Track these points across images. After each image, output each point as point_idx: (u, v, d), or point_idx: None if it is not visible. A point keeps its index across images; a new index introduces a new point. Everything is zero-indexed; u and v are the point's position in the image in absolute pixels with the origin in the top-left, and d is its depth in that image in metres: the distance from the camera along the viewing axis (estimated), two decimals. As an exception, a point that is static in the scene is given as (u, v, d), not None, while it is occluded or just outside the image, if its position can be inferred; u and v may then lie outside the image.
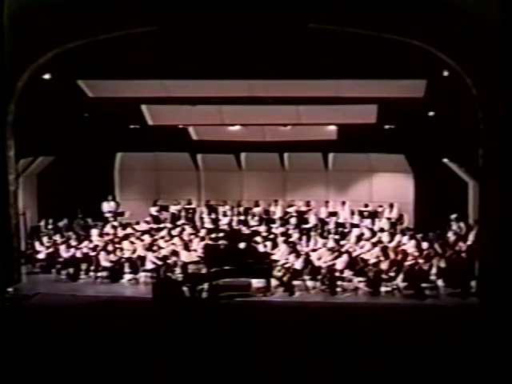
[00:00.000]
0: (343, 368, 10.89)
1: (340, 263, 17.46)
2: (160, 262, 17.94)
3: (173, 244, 18.99)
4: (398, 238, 19.61)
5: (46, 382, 10.52)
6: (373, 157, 22.86)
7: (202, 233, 20.55)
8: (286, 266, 17.34)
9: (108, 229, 20.94)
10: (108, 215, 22.40)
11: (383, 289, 16.96)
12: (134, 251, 18.61)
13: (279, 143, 22.39)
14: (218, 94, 18.84)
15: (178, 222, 22.00)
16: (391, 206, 21.80)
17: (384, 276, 17.02)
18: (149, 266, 18.06)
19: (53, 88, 17.77)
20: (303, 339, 12.41)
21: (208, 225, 21.84)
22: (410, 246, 18.52)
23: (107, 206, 22.64)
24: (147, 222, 22.01)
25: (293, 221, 21.91)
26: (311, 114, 20.27)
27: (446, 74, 16.55)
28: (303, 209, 22.43)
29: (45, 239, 20.12)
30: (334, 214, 22.09)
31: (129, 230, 20.64)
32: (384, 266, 17.18)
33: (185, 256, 18.08)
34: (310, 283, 17.33)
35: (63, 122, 19.58)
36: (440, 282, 17.05)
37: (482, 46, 15.44)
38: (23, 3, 16.02)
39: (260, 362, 11.11)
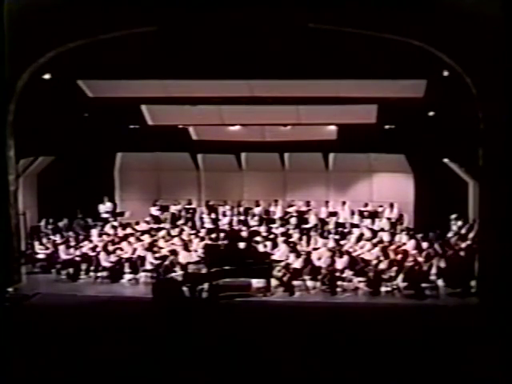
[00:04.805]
0: (343, 368, 10.89)
1: (340, 263, 17.46)
2: (159, 262, 17.98)
3: (173, 244, 19.00)
4: (398, 238, 19.62)
5: (46, 382, 10.52)
6: (373, 157, 22.86)
7: (202, 233, 20.56)
8: (286, 266, 17.34)
9: (108, 229, 20.94)
10: (106, 216, 22.38)
11: (383, 289, 16.95)
12: (134, 251, 18.62)
13: (279, 143, 22.39)
14: (218, 94, 18.83)
15: (178, 222, 22.01)
16: (391, 205, 21.78)
17: (384, 276, 17.02)
18: (148, 266, 18.09)
19: (53, 88, 17.77)
20: (303, 339, 12.41)
21: (208, 225, 21.84)
22: (409, 246, 18.52)
23: (103, 208, 22.62)
24: (147, 222, 22.01)
25: (293, 221, 21.91)
26: (311, 113, 20.27)
27: (446, 73, 16.55)
28: (303, 209, 22.43)
29: (45, 239, 20.15)
30: (334, 213, 22.09)
31: (129, 230, 20.64)
32: (384, 265, 17.18)
33: (184, 256, 18.07)
34: (310, 283, 17.32)
35: (63, 121, 19.58)
36: (440, 282, 17.04)
37: (481, 45, 15.43)
38: (23, 3, 16.02)
39: (260, 362, 11.11)
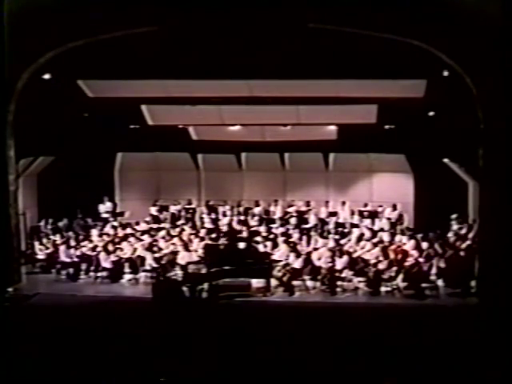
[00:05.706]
0: (343, 368, 10.89)
1: (340, 263, 17.46)
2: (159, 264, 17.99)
3: (173, 244, 19.00)
4: (398, 238, 19.61)
5: (46, 382, 10.52)
6: (373, 157, 22.87)
7: (202, 233, 20.55)
8: (286, 266, 17.33)
9: (108, 229, 20.94)
10: (106, 216, 22.38)
11: (383, 289, 16.96)
12: (134, 251, 18.61)
13: (279, 143, 22.40)
14: (218, 94, 18.84)
15: (178, 222, 22.00)
16: (394, 206, 21.69)
17: (384, 276, 17.02)
18: (148, 266, 18.09)
19: (53, 88, 17.77)
20: (303, 339, 12.41)
21: (208, 225, 21.82)
22: (409, 246, 18.51)
23: (103, 208, 22.62)
24: (147, 222, 22.01)
25: (293, 221, 21.89)
26: (311, 113, 20.27)
27: (446, 73, 16.55)
28: (303, 209, 22.42)
29: (45, 239, 20.14)
30: (334, 213, 22.08)
31: (129, 230, 20.64)
32: (384, 265, 17.18)
33: (184, 256, 18.04)
34: (309, 283, 17.32)
35: (63, 122, 19.58)
36: (440, 282, 17.05)
37: (482, 45, 15.44)
38: (23, 3, 16.03)
39: (260, 362, 11.11)
